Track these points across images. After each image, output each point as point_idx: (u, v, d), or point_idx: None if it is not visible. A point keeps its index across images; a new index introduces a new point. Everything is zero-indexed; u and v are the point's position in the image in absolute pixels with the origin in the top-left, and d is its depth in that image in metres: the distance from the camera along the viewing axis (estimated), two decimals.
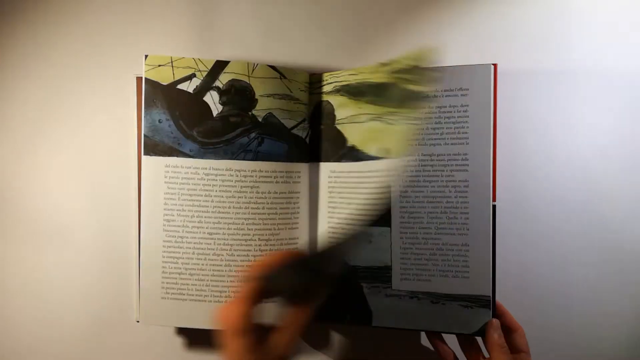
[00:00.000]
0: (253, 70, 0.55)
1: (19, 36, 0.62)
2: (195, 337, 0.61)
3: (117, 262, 0.61)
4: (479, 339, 0.55)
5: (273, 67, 0.55)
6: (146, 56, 0.55)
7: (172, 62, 0.55)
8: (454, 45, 0.58)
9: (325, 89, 0.57)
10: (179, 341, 0.62)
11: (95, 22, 0.61)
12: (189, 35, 0.61)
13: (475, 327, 0.54)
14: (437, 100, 0.54)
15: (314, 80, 0.58)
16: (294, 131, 0.57)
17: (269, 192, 0.55)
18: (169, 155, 0.55)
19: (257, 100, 0.55)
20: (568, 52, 0.58)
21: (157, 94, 0.55)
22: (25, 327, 0.62)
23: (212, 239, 0.55)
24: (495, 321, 0.53)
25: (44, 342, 0.62)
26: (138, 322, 0.59)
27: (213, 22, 0.61)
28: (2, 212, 0.62)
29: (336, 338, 0.60)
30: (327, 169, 0.57)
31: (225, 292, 0.55)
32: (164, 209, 0.55)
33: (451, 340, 0.56)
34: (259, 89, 0.55)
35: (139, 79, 0.59)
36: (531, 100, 0.58)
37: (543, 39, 0.58)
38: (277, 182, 0.56)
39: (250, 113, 0.55)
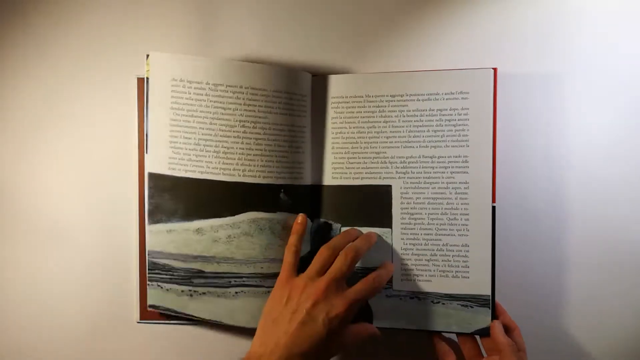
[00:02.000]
0: None
1: (20, 36, 0.61)
2: (196, 337, 0.61)
3: (117, 261, 0.61)
4: (478, 338, 0.56)
5: None
6: (147, 55, 0.55)
7: None
8: (455, 47, 0.59)
9: None
10: (178, 341, 0.61)
11: (96, 22, 0.61)
12: (189, 35, 0.61)
13: (475, 326, 0.55)
14: (438, 103, 0.55)
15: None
16: None
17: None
18: None
19: None
20: (567, 53, 0.58)
21: None
22: (25, 327, 0.62)
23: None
24: (499, 322, 0.54)
25: (44, 342, 0.62)
26: (138, 322, 0.59)
27: (213, 22, 0.61)
28: (2, 212, 0.62)
29: None
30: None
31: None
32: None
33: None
34: None
35: (139, 79, 0.59)
36: (531, 101, 0.59)
37: (542, 40, 0.58)
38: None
39: None
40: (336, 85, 0.57)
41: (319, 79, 0.57)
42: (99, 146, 0.61)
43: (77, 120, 0.61)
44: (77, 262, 0.61)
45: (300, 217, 0.56)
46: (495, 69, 0.54)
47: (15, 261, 0.62)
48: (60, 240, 0.61)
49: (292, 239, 0.54)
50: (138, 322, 0.59)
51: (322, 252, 0.52)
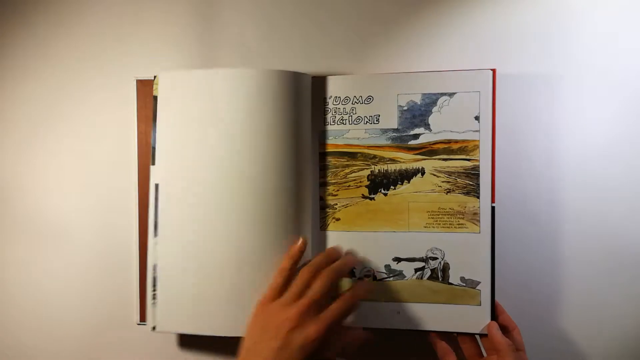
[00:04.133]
0: None
1: (20, 37, 0.61)
2: (195, 337, 0.61)
3: (117, 262, 0.61)
4: (478, 338, 0.56)
5: None
6: (155, 76, 0.57)
7: None
8: (454, 48, 0.59)
9: None
10: (177, 341, 0.62)
11: (96, 24, 0.61)
12: (190, 38, 0.61)
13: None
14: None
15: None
16: None
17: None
18: None
19: None
20: (567, 53, 0.59)
21: None
22: (25, 327, 0.62)
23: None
24: (495, 323, 0.54)
25: (43, 342, 0.62)
26: (138, 324, 0.59)
27: (213, 22, 0.61)
28: (2, 212, 0.62)
29: None
30: None
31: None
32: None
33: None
34: None
35: (139, 81, 0.59)
36: (531, 101, 0.59)
37: (542, 40, 0.59)
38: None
39: None
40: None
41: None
42: (98, 147, 0.61)
43: (76, 121, 0.61)
44: (77, 263, 0.61)
45: (300, 241, 0.54)
46: (494, 70, 0.54)
47: (15, 261, 0.62)
48: (60, 240, 0.61)
49: (286, 263, 0.52)
50: (138, 324, 0.59)
51: (302, 275, 0.51)
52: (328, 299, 0.50)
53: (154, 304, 0.56)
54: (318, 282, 0.50)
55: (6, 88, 0.62)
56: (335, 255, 0.54)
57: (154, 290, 0.55)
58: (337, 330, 0.50)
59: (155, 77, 0.56)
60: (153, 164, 0.56)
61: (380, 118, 0.56)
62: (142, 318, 0.60)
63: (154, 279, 0.56)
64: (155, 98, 0.56)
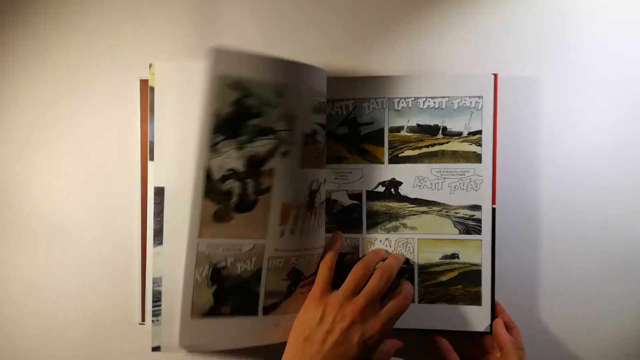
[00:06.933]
0: None
1: (21, 37, 0.61)
2: None
3: (119, 263, 0.61)
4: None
5: None
6: (151, 65, 0.56)
7: None
8: (456, 49, 0.59)
9: None
10: None
11: (98, 24, 0.61)
12: (190, 36, 0.60)
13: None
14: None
15: None
16: None
17: None
18: None
19: None
20: (568, 54, 0.59)
21: None
22: (25, 328, 0.61)
23: None
24: (501, 320, 0.55)
25: (44, 343, 0.61)
26: (140, 324, 0.59)
27: (214, 24, 0.61)
28: (2, 212, 0.61)
29: None
30: None
31: None
32: None
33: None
34: None
35: (142, 81, 0.59)
36: (532, 102, 0.59)
37: (543, 42, 0.59)
38: None
39: None
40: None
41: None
42: (100, 147, 0.61)
43: (78, 121, 0.61)
44: (78, 264, 0.61)
45: (341, 235, 0.55)
46: (495, 75, 0.55)
47: (16, 262, 0.61)
48: (61, 241, 0.61)
49: (330, 255, 0.52)
50: (140, 324, 0.59)
51: (357, 271, 0.51)
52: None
53: (157, 321, 0.52)
54: (376, 278, 0.50)
55: (7, 88, 0.61)
56: (383, 253, 0.55)
57: (158, 305, 0.52)
58: (390, 331, 0.50)
59: (150, 65, 0.55)
60: (151, 159, 0.55)
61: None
62: (144, 318, 0.59)
63: (158, 294, 0.52)
64: (152, 89, 0.55)
